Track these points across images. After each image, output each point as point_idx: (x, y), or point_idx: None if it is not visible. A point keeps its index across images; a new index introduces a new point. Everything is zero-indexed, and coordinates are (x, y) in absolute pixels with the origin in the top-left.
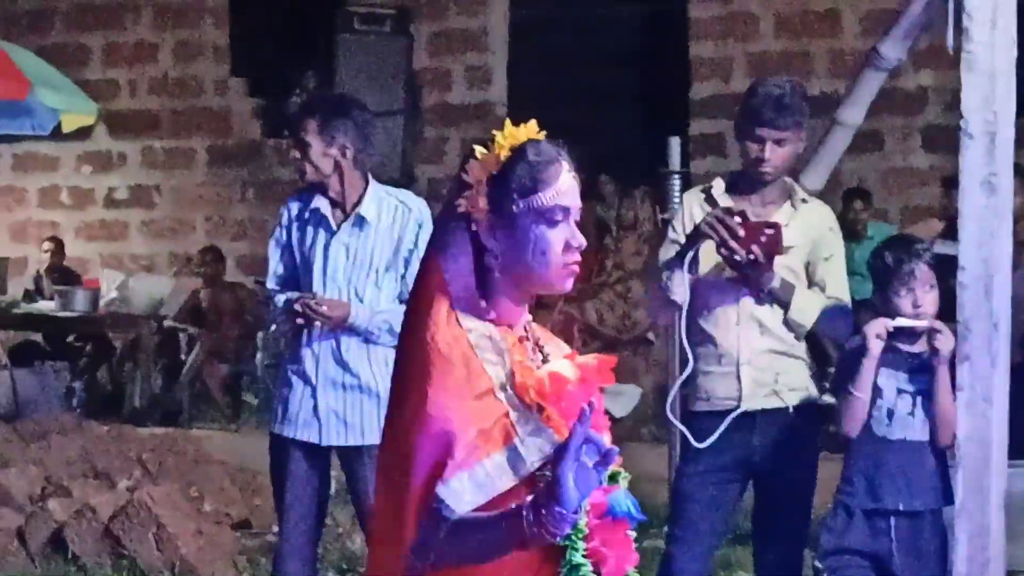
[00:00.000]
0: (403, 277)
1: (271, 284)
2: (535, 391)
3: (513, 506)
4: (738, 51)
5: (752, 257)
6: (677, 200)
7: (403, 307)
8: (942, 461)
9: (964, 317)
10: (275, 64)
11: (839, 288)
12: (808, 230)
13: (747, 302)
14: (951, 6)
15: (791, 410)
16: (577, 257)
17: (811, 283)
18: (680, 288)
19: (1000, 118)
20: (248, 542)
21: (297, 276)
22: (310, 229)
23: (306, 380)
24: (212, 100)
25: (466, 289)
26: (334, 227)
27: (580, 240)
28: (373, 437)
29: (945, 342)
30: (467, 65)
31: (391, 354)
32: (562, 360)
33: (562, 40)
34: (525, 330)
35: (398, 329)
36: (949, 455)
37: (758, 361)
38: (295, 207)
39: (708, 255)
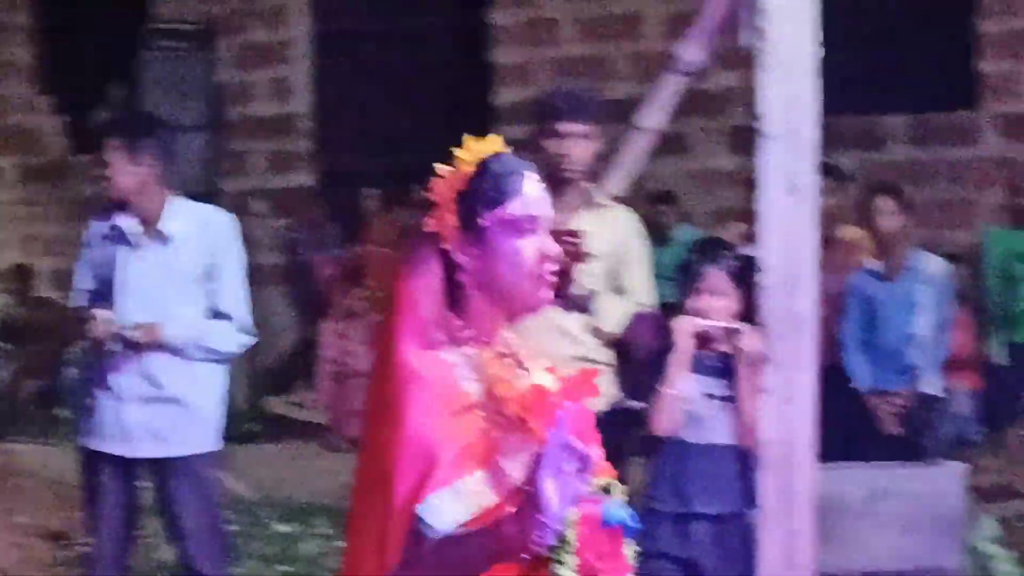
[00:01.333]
0: (213, 292)
1: (77, 301)
2: (517, 405)
3: (495, 520)
4: (540, 56)
5: None
6: None
7: (215, 322)
8: (748, 464)
9: (768, 319)
10: (82, 82)
11: (644, 293)
12: (612, 236)
13: (550, 310)
14: (746, 5)
15: (598, 416)
16: (553, 267)
17: (617, 289)
18: None
19: (801, 117)
20: (63, 554)
21: (103, 293)
22: (113, 247)
23: (112, 394)
24: (21, 118)
25: (438, 308)
26: (138, 244)
27: (554, 249)
28: (182, 449)
29: (748, 344)
30: (270, 78)
31: (200, 367)
32: (544, 373)
33: (367, 51)
34: (504, 346)
35: (206, 344)
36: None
37: (564, 369)
38: (98, 225)
39: None
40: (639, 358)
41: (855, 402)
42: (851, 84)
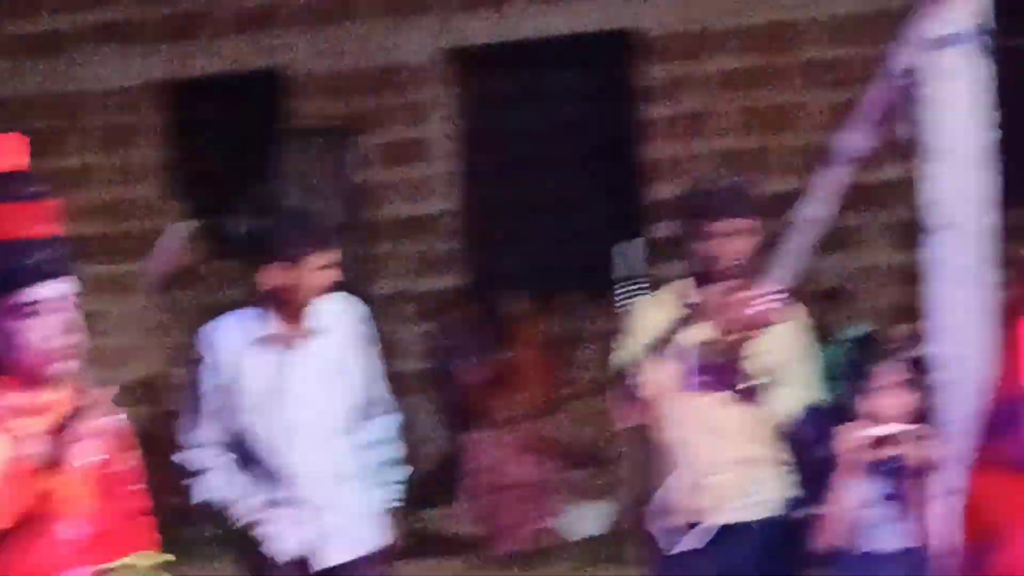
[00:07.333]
0: (361, 380)
1: (195, 438)
2: None
3: None
4: (695, 150)
5: None
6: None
7: (374, 429)
8: (922, 570)
9: (946, 417)
10: (214, 185)
11: (814, 387)
12: (779, 350)
13: (706, 407)
14: (907, 95)
15: (763, 523)
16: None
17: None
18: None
19: (970, 207)
20: None
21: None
22: (263, 352)
23: (261, 508)
24: (150, 223)
25: None
26: (291, 345)
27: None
28: (345, 554)
29: (921, 448)
30: (411, 176)
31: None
32: None
33: (511, 147)
34: None
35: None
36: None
37: (727, 471)
38: (228, 332)
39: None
40: (804, 458)
41: None
42: None
